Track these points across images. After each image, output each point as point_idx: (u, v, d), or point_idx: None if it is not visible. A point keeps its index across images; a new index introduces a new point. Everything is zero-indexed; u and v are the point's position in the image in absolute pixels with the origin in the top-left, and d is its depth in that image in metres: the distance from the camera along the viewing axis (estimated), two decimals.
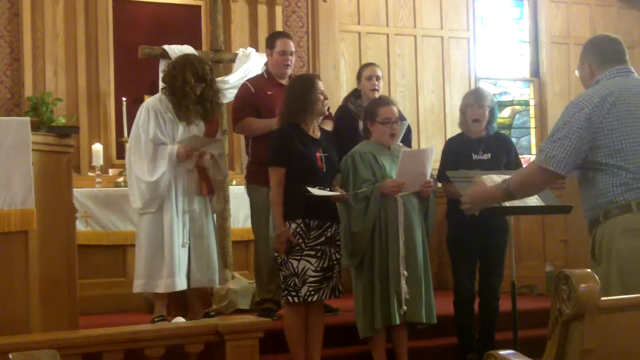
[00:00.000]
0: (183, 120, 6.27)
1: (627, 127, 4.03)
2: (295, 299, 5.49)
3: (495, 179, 5.45)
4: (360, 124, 6.60)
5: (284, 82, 6.56)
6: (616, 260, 3.98)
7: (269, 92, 6.54)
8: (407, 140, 6.49)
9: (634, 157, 4.02)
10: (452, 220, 6.16)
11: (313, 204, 5.43)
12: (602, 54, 4.30)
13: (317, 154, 5.57)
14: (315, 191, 5.39)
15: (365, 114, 5.99)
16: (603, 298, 2.97)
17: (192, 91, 6.24)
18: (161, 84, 6.53)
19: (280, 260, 5.55)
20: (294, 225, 5.48)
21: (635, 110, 4.07)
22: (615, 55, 4.28)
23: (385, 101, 5.96)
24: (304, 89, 5.62)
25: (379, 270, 5.64)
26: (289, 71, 6.71)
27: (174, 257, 6.10)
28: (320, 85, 5.64)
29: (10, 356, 3.15)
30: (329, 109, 6.18)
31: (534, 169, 4.19)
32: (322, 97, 5.60)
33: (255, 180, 6.48)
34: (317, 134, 5.68)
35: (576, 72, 4.54)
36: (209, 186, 6.36)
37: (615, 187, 4.03)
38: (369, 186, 5.65)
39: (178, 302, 6.50)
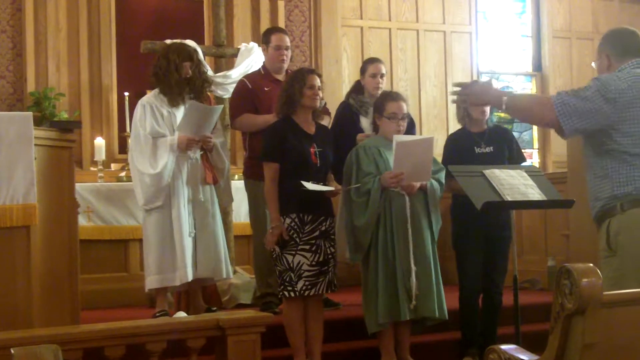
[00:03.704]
0: (174, 104, 6.27)
1: None
2: (292, 294, 5.50)
3: (497, 173, 5.46)
4: (361, 119, 6.60)
5: (281, 77, 6.57)
6: (635, 253, 3.98)
7: (265, 88, 6.55)
8: (410, 135, 6.47)
9: None
10: (456, 215, 6.14)
11: (307, 199, 5.43)
12: (620, 46, 4.30)
13: (312, 149, 5.57)
14: (310, 186, 5.39)
15: (375, 107, 5.98)
16: (605, 292, 2.96)
17: (176, 70, 6.25)
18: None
19: (275, 255, 5.55)
20: (288, 220, 5.49)
21: None
22: (634, 48, 4.28)
23: (394, 96, 5.92)
24: (293, 82, 5.64)
25: (384, 265, 5.62)
26: (285, 66, 6.71)
27: (184, 249, 6.11)
28: (312, 80, 5.62)
29: (12, 351, 3.16)
30: (325, 104, 6.18)
31: (545, 103, 4.18)
32: (311, 92, 5.59)
33: (252, 175, 6.48)
34: (312, 129, 5.68)
35: (593, 64, 4.54)
36: (214, 174, 6.37)
37: (636, 179, 4.05)
38: (370, 179, 5.64)
39: (188, 296, 6.51)
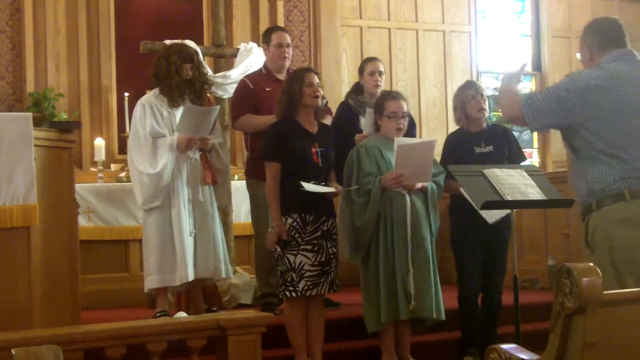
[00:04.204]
0: (174, 105, 6.27)
1: (624, 115, 4.05)
2: (294, 294, 5.49)
3: (497, 173, 5.46)
4: (361, 119, 6.60)
5: (282, 77, 6.55)
6: (611, 250, 3.99)
7: (267, 88, 6.54)
8: (410, 135, 6.44)
9: (629, 145, 4.04)
10: (455, 215, 6.14)
11: (308, 199, 5.43)
12: (601, 36, 4.29)
13: (313, 149, 5.57)
14: (309, 186, 5.38)
15: (375, 106, 5.98)
16: (605, 292, 2.97)
17: (177, 72, 6.25)
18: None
19: (276, 255, 5.55)
20: (290, 220, 5.48)
21: (634, 98, 4.07)
22: (615, 38, 4.27)
23: (394, 95, 5.92)
24: (292, 82, 5.63)
25: (384, 265, 5.62)
26: (287, 64, 6.71)
27: (184, 248, 6.12)
28: (311, 78, 5.60)
29: (13, 351, 3.16)
30: (326, 103, 6.18)
31: (515, 99, 4.26)
32: (311, 90, 5.59)
33: (254, 175, 6.47)
34: (314, 129, 5.68)
35: (577, 55, 4.56)
36: (213, 175, 6.37)
37: (608, 176, 4.05)
38: (371, 180, 5.64)
39: (188, 297, 6.52)
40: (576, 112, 4.07)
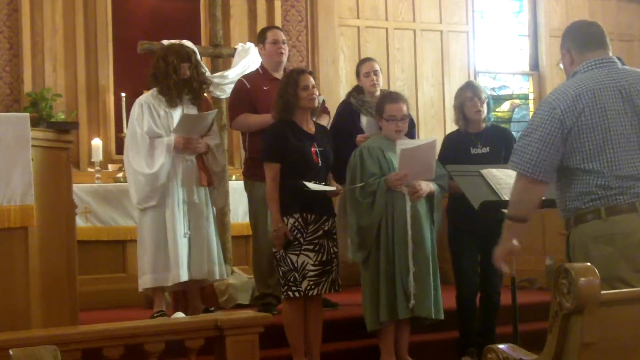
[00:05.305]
0: (173, 105, 6.28)
1: (601, 130, 3.91)
2: (296, 294, 5.49)
3: (494, 173, 5.47)
4: (362, 119, 6.61)
5: (279, 76, 6.54)
6: None
7: (264, 88, 6.54)
8: (410, 135, 6.43)
9: (606, 157, 3.92)
10: (452, 215, 6.15)
11: (309, 198, 5.43)
12: (581, 38, 4.21)
13: (312, 149, 5.57)
14: (313, 186, 5.40)
15: (376, 108, 6.00)
16: (603, 292, 2.97)
17: (175, 72, 6.26)
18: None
19: (278, 255, 5.55)
20: (291, 220, 5.49)
21: (610, 110, 3.93)
22: (594, 40, 4.16)
23: (393, 98, 5.92)
24: (286, 86, 5.64)
25: (385, 265, 5.64)
26: (284, 60, 6.72)
27: (177, 249, 6.12)
28: (305, 80, 5.61)
29: (11, 352, 3.16)
30: (323, 102, 6.18)
31: (517, 179, 4.08)
32: (307, 94, 5.58)
33: (253, 176, 6.47)
34: (312, 129, 5.68)
35: (560, 65, 4.48)
36: (209, 176, 6.37)
37: (585, 194, 3.95)
38: (375, 180, 5.65)
39: (185, 297, 6.51)
40: (560, 138, 3.92)
